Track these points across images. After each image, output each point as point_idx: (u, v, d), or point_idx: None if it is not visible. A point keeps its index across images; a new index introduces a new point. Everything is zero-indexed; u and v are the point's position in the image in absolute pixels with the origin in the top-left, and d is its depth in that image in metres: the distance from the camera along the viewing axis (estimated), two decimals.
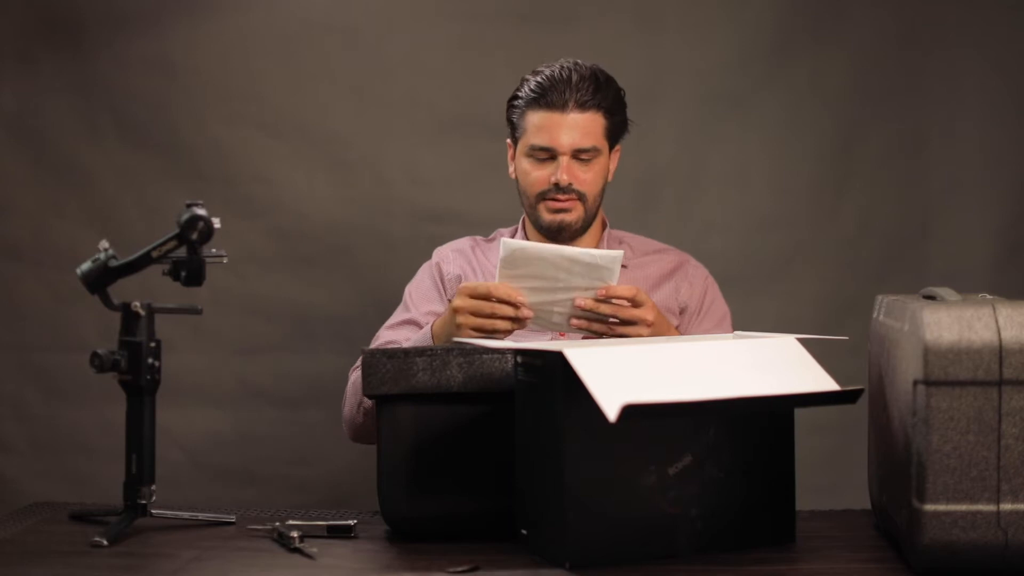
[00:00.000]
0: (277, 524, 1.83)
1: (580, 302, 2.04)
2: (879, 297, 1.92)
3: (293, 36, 3.01)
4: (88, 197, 3.03)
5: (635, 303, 2.05)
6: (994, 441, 1.58)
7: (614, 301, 2.04)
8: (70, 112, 3.02)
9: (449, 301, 2.37)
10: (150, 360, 1.83)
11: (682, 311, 2.36)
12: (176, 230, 1.79)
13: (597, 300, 2.04)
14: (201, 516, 1.93)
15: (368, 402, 2.15)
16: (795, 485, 1.79)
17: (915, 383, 1.60)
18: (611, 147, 2.34)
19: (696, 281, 2.39)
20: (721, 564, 1.68)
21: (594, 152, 2.29)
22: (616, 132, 2.34)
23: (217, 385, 3.04)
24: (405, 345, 2.20)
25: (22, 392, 3.06)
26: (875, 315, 1.91)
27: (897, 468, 1.70)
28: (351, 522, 1.85)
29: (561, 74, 2.27)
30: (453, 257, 2.44)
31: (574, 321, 2.06)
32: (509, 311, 2.03)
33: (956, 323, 1.59)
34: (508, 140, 2.39)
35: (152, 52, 3.00)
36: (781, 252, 3.04)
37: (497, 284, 2.04)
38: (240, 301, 3.01)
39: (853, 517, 1.97)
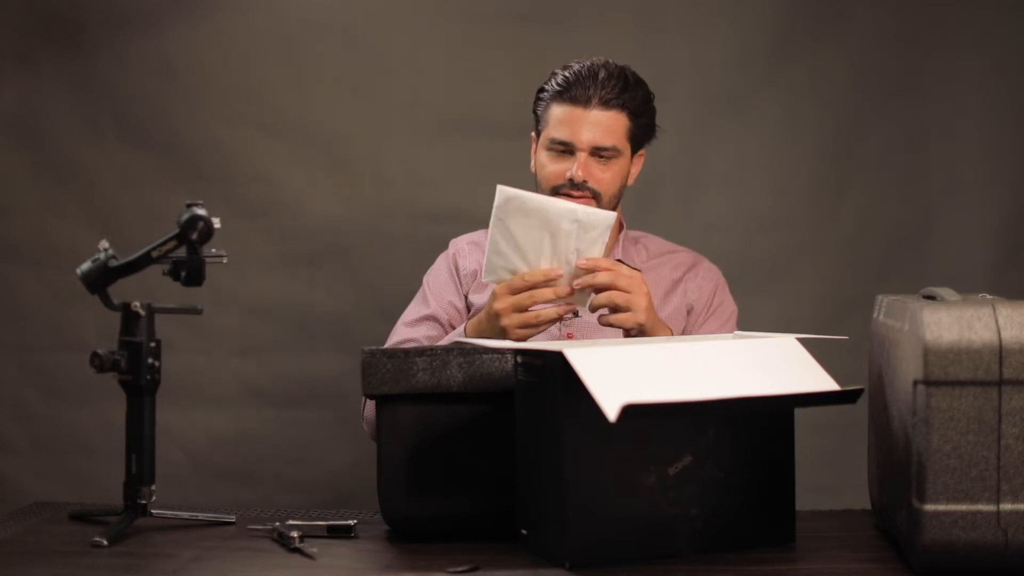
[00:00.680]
0: (277, 524, 1.83)
1: (582, 262, 2.00)
2: (879, 297, 1.92)
3: (293, 36, 3.01)
4: (88, 197, 3.03)
5: (626, 289, 2.02)
6: (994, 441, 1.58)
7: (601, 266, 2.00)
8: (70, 112, 3.02)
9: (465, 296, 2.36)
10: (150, 360, 1.83)
11: (689, 311, 2.35)
12: (176, 230, 1.79)
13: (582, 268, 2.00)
14: (201, 516, 1.93)
15: None
16: (795, 485, 1.79)
17: (915, 383, 1.60)
18: (634, 150, 2.31)
19: (706, 283, 2.37)
20: (721, 564, 1.68)
21: (613, 152, 2.25)
22: (641, 136, 2.30)
23: (217, 385, 3.04)
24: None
25: (22, 392, 3.06)
26: (875, 315, 1.90)
27: (897, 468, 1.70)
28: (351, 522, 1.85)
29: (589, 70, 2.24)
30: (469, 251, 2.41)
31: (577, 282, 2.01)
32: (548, 293, 1.99)
33: (956, 323, 1.59)
34: (532, 133, 2.36)
35: (152, 52, 3.00)
36: (781, 252, 3.04)
37: (529, 272, 2.00)
38: (240, 301, 3.01)
39: (853, 517, 1.97)
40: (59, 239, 3.02)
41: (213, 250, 1.82)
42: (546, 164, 2.28)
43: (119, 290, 1.85)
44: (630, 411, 1.50)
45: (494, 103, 3.00)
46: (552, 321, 2.02)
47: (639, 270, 2.32)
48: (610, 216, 2.02)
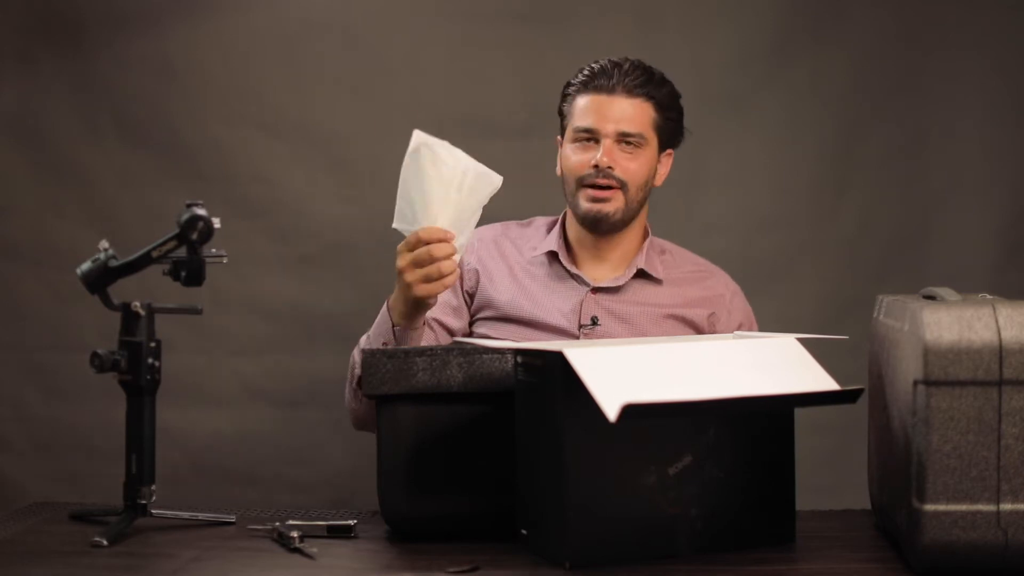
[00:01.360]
0: (277, 524, 1.83)
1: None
2: (879, 297, 1.92)
3: (293, 36, 3.01)
4: (88, 197, 3.03)
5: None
6: (994, 441, 1.58)
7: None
8: (70, 112, 3.02)
9: (467, 294, 2.34)
10: (150, 360, 1.83)
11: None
12: (176, 230, 1.79)
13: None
14: (201, 516, 1.93)
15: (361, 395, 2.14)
16: (795, 485, 1.79)
17: (915, 383, 1.60)
18: (661, 147, 2.28)
19: (733, 318, 2.34)
20: (721, 564, 1.68)
21: (639, 139, 2.23)
22: (668, 132, 2.28)
23: (217, 385, 3.04)
24: (365, 336, 2.16)
25: (22, 392, 3.06)
26: (875, 315, 1.91)
27: (897, 468, 1.70)
28: (351, 522, 1.85)
29: (613, 62, 2.24)
30: (476, 247, 2.36)
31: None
32: (447, 248, 1.95)
33: (956, 323, 1.59)
34: (558, 137, 2.35)
35: (152, 52, 3.00)
36: (781, 252, 3.04)
37: (425, 228, 1.94)
38: (240, 301, 3.01)
39: (853, 517, 1.97)
40: (59, 239, 3.01)
41: (213, 250, 1.82)
42: (570, 156, 2.26)
43: (119, 290, 1.85)
44: (630, 411, 1.50)
45: (494, 103, 3.00)
46: (453, 276, 1.97)
47: (656, 279, 2.31)
48: (497, 181, 1.97)
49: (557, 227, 2.36)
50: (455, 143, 3.11)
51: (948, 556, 1.59)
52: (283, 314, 3.04)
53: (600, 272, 2.30)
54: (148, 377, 1.83)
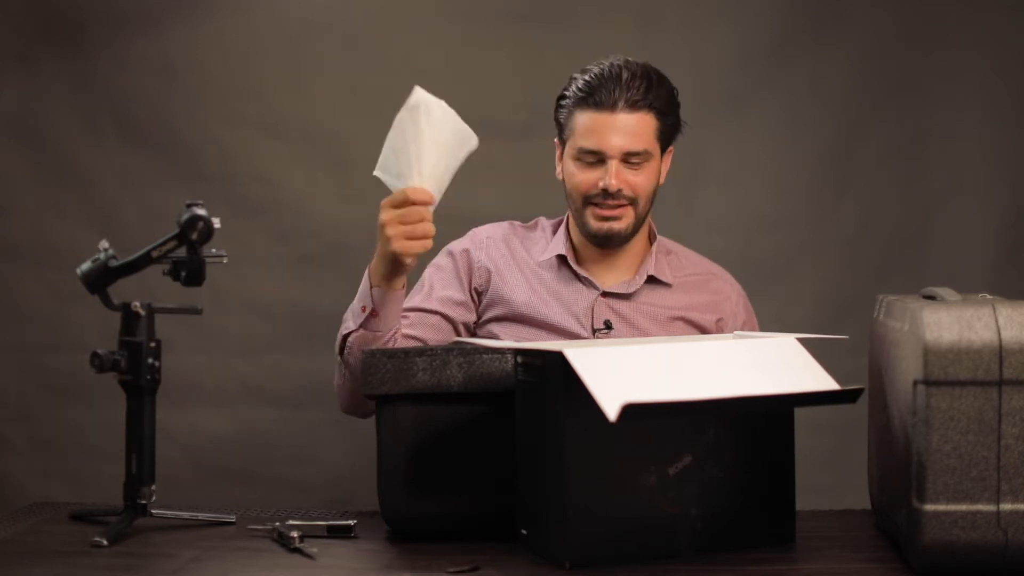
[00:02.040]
0: (277, 524, 1.83)
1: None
2: (879, 297, 1.92)
3: (293, 36, 3.01)
4: (88, 197, 3.03)
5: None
6: (994, 441, 1.58)
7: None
8: (70, 112, 3.02)
9: (475, 291, 2.32)
10: (150, 360, 1.83)
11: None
12: (176, 230, 1.79)
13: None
14: (201, 516, 1.93)
15: (349, 361, 2.12)
16: (795, 485, 1.79)
17: (915, 383, 1.60)
18: (663, 149, 2.25)
19: (738, 321, 2.33)
20: (721, 564, 1.68)
21: (645, 155, 2.19)
22: (669, 134, 2.24)
23: (217, 385, 3.04)
24: (348, 308, 2.15)
25: (22, 392, 3.06)
26: (875, 315, 1.90)
27: (897, 468, 1.70)
28: (351, 522, 1.85)
29: (611, 71, 2.16)
30: (486, 244, 2.34)
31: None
32: (428, 211, 1.96)
33: (956, 323, 1.59)
34: (556, 140, 2.30)
35: (152, 52, 3.00)
36: (781, 252, 3.04)
37: (413, 188, 1.95)
38: (240, 301, 3.01)
39: (853, 517, 1.97)
40: (59, 239, 3.01)
41: (213, 250, 1.82)
42: (575, 173, 2.21)
43: (119, 290, 1.85)
44: (630, 411, 1.50)
45: (494, 103, 3.00)
46: (430, 240, 1.98)
47: (666, 283, 2.30)
48: (473, 143, 2.01)
49: (563, 230, 2.34)
50: None
51: (948, 556, 1.59)
52: (283, 314, 3.04)
53: (609, 276, 2.29)
54: (148, 377, 1.83)
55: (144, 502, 1.84)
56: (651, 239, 2.37)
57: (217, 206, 1.91)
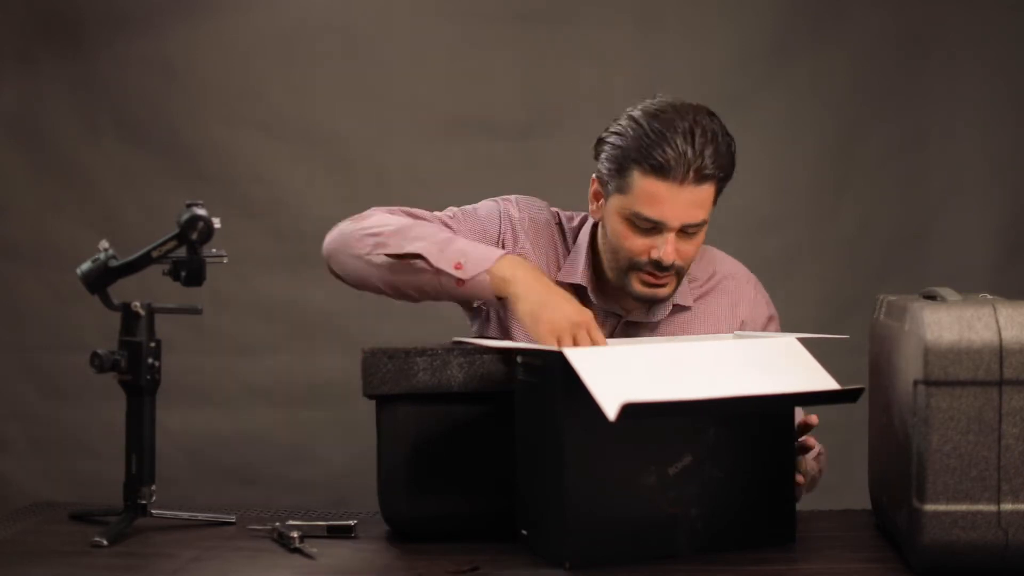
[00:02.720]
0: (277, 524, 1.83)
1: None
2: (879, 297, 1.92)
3: (293, 36, 3.02)
4: (88, 197, 3.03)
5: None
6: (994, 441, 1.58)
7: None
8: (70, 112, 3.02)
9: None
10: (150, 360, 1.83)
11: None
12: (176, 230, 1.79)
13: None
14: (201, 516, 1.93)
15: (381, 259, 1.96)
16: (795, 485, 1.79)
17: (915, 383, 1.60)
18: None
19: (759, 317, 2.23)
20: (721, 564, 1.68)
21: (701, 225, 2.02)
22: (719, 194, 2.05)
23: (217, 385, 3.04)
24: (438, 237, 1.95)
25: (22, 392, 3.06)
26: (875, 315, 1.90)
27: (897, 468, 1.70)
28: (351, 522, 1.85)
29: (685, 138, 1.95)
30: (528, 226, 2.12)
31: None
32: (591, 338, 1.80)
33: (956, 323, 1.59)
34: (595, 177, 2.06)
35: (152, 52, 3.01)
36: (781, 252, 3.04)
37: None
38: (240, 301, 3.01)
39: (853, 517, 1.97)
40: (59, 239, 3.02)
41: (213, 250, 1.82)
42: (627, 235, 2.01)
43: (119, 290, 1.85)
44: (629, 410, 1.50)
45: (494, 103, 3.00)
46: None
47: (688, 307, 2.14)
48: None
49: (584, 249, 2.13)
50: (455, 143, 3.13)
51: (948, 556, 1.59)
52: (283, 314, 3.04)
53: (630, 304, 2.13)
54: (148, 377, 1.83)
55: (144, 502, 1.84)
56: None
57: (217, 206, 1.91)
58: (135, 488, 1.84)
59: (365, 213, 2.08)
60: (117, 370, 1.82)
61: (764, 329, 2.23)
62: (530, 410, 1.73)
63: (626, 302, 2.14)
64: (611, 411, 1.50)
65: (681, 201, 1.97)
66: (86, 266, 1.82)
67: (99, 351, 1.81)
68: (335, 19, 3.03)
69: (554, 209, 2.19)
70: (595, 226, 2.13)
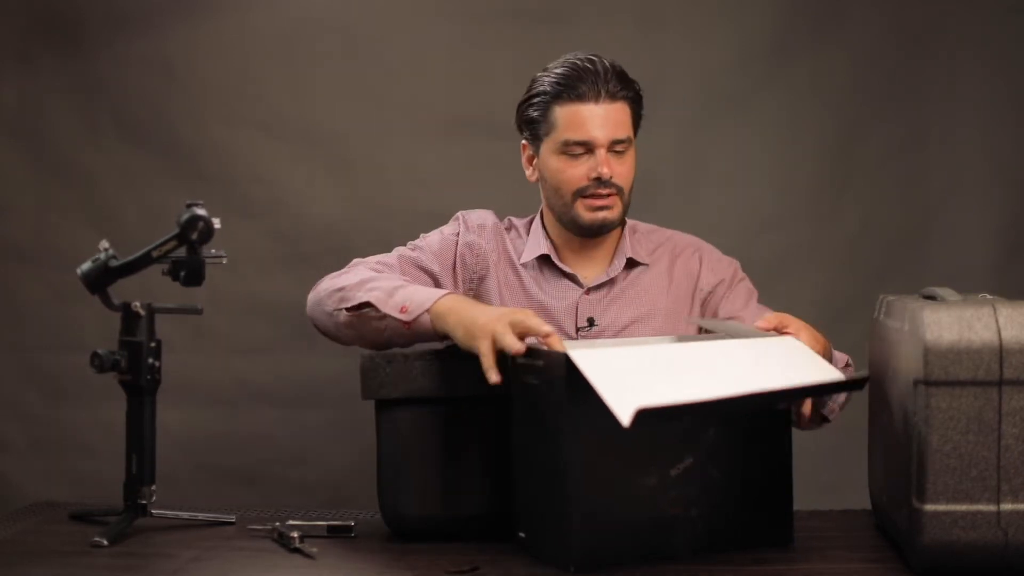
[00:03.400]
0: (277, 524, 1.83)
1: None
2: (879, 297, 1.92)
3: (293, 36, 3.01)
4: (88, 197, 3.03)
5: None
6: (994, 441, 1.58)
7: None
8: (70, 112, 3.02)
9: (468, 278, 2.26)
10: (150, 360, 1.83)
11: (706, 298, 2.29)
12: (176, 230, 1.79)
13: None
14: (201, 516, 1.93)
15: (352, 321, 2.02)
16: (793, 485, 1.79)
17: (915, 383, 1.60)
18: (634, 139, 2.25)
19: (723, 273, 2.33)
20: (721, 564, 1.68)
21: (628, 143, 2.21)
22: (638, 124, 2.26)
23: (217, 385, 3.04)
24: (386, 282, 2.04)
25: (22, 392, 3.06)
26: (875, 315, 1.90)
27: (897, 468, 1.70)
28: (351, 522, 1.85)
29: (587, 65, 2.17)
30: (478, 232, 2.29)
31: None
32: (541, 337, 1.80)
33: (956, 323, 1.59)
34: (523, 142, 2.28)
35: (152, 52, 3.00)
36: (781, 252, 3.04)
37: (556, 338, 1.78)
38: (240, 301, 3.01)
39: (853, 517, 1.97)
40: (59, 239, 3.01)
41: (213, 250, 1.82)
42: (563, 169, 2.20)
43: (119, 290, 1.85)
44: (643, 416, 1.48)
45: (494, 103, 2.99)
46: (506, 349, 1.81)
47: (646, 264, 2.30)
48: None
49: (539, 229, 2.31)
50: (455, 143, 3.14)
51: (948, 556, 1.59)
52: (283, 314, 3.04)
53: (590, 269, 2.29)
54: (148, 377, 1.84)
55: (144, 502, 1.84)
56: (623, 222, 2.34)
57: (217, 206, 1.91)
58: (135, 488, 1.84)
59: (346, 268, 2.20)
60: (117, 370, 1.82)
61: (732, 285, 2.32)
62: (529, 413, 1.73)
63: (586, 263, 2.27)
64: (625, 417, 1.48)
65: (602, 118, 2.17)
66: (86, 266, 1.82)
67: (99, 351, 1.81)
68: (335, 19, 3.02)
69: (508, 220, 2.37)
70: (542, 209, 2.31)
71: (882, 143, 3.03)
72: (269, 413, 3.04)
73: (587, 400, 1.54)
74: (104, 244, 1.84)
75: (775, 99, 3.02)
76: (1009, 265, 3.00)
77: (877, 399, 1.86)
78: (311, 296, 2.15)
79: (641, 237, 2.36)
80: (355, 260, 2.21)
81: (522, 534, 1.75)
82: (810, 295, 3.03)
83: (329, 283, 2.12)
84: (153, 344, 1.84)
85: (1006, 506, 1.58)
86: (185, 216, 1.78)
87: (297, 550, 1.75)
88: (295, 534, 1.77)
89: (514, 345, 1.74)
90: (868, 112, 3.03)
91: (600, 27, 3.00)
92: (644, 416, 1.48)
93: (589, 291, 2.26)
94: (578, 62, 2.19)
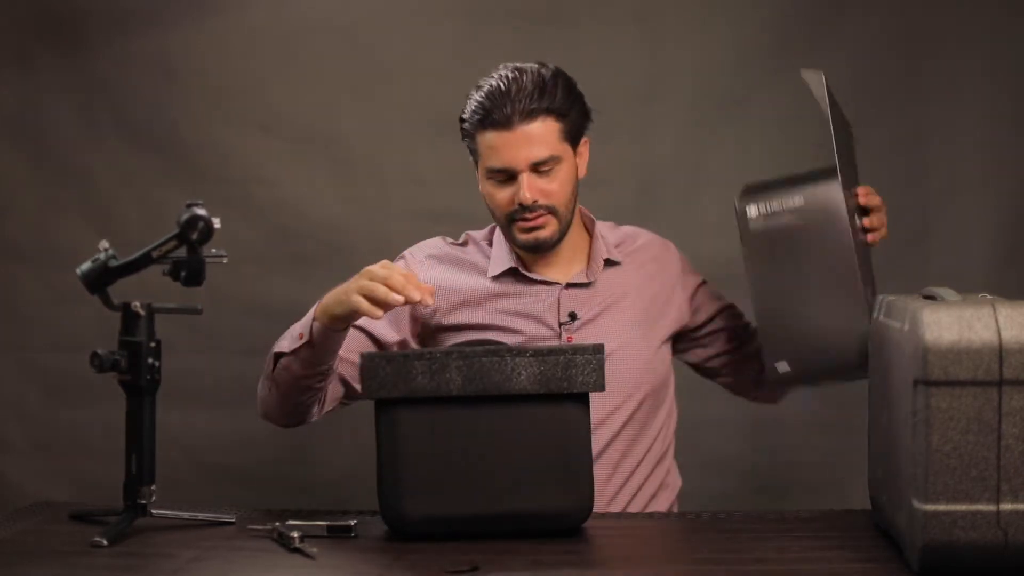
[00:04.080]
0: (277, 524, 1.83)
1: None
2: (879, 297, 1.92)
3: (293, 36, 3.02)
4: (88, 197, 3.04)
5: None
6: (994, 441, 1.58)
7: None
8: (70, 112, 3.02)
9: (417, 321, 2.26)
10: (150, 360, 1.83)
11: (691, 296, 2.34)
12: (176, 230, 1.79)
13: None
14: (201, 516, 1.93)
15: (277, 380, 2.09)
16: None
17: (915, 383, 1.60)
18: (575, 145, 2.20)
19: (679, 284, 2.34)
20: (721, 564, 1.68)
21: (553, 161, 2.14)
22: (575, 130, 2.18)
23: (217, 385, 3.04)
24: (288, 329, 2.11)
25: (22, 392, 3.06)
26: (875, 315, 1.90)
27: (897, 468, 1.70)
28: (351, 522, 1.85)
29: (500, 86, 2.13)
30: (429, 265, 2.29)
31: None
32: (414, 295, 1.92)
33: (956, 323, 1.59)
34: (471, 159, 2.26)
35: (152, 52, 3.01)
36: None
37: (426, 286, 1.92)
38: (240, 301, 3.01)
39: (853, 517, 1.97)
40: (59, 239, 3.02)
41: (213, 250, 1.82)
42: (493, 193, 2.19)
43: (119, 290, 1.85)
44: None
45: None
46: (378, 312, 1.94)
47: (618, 262, 2.30)
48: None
49: (501, 241, 2.28)
50: (455, 143, 3.11)
51: (948, 556, 1.59)
52: (283, 314, 3.02)
53: (562, 272, 2.27)
54: (148, 377, 1.83)
55: (144, 502, 1.84)
56: (589, 224, 2.33)
57: (217, 206, 1.91)
58: (135, 488, 1.84)
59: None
60: (117, 370, 1.82)
61: (695, 292, 2.35)
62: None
63: (556, 269, 2.26)
64: None
65: (518, 142, 2.12)
66: (86, 266, 1.82)
67: (99, 351, 1.81)
68: (335, 19, 3.02)
69: (465, 235, 2.35)
70: None
71: (882, 143, 3.03)
72: None
73: None
74: (104, 244, 1.84)
75: (775, 99, 3.02)
76: (1009, 265, 3.01)
77: (877, 399, 1.86)
78: (258, 402, 2.19)
79: (614, 237, 2.34)
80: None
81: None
82: None
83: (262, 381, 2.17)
84: (153, 344, 1.84)
85: (1006, 506, 1.58)
86: (185, 216, 1.78)
87: (297, 550, 1.75)
88: (295, 534, 1.77)
89: (372, 312, 1.89)
90: (868, 112, 3.03)
91: (600, 27, 3.00)
92: None
93: (568, 287, 2.25)
94: (494, 83, 2.14)
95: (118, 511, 1.86)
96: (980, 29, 3.00)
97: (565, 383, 1.80)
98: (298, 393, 2.11)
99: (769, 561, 1.70)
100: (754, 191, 2.10)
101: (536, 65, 2.17)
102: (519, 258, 2.27)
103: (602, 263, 2.27)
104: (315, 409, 2.18)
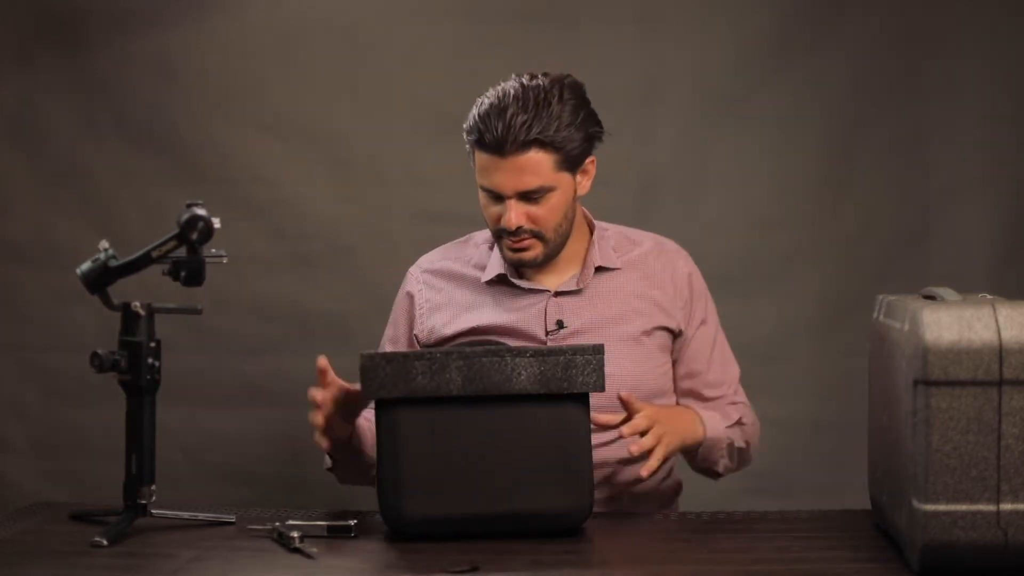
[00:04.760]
0: (277, 524, 1.83)
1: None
2: (879, 297, 1.92)
3: (293, 36, 3.02)
4: (88, 197, 3.04)
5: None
6: (994, 441, 1.58)
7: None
8: (70, 112, 3.02)
9: (416, 339, 2.26)
10: (150, 360, 1.83)
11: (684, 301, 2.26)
12: (176, 230, 1.79)
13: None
14: (201, 516, 1.93)
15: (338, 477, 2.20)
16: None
17: (915, 383, 1.60)
18: (574, 170, 2.13)
19: (680, 297, 2.26)
20: (721, 564, 1.68)
21: (543, 191, 2.08)
22: (577, 156, 2.11)
23: (217, 385, 3.04)
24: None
25: (22, 392, 3.06)
26: (875, 315, 1.90)
27: (897, 468, 1.70)
28: (351, 522, 1.85)
29: (496, 107, 2.06)
30: (426, 282, 2.27)
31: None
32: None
33: (956, 323, 1.59)
34: (471, 163, 2.21)
35: (152, 52, 3.01)
36: (781, 252, 3.04)
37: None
38: (240, 301, 3.01)
39: (853, 517, 1.97)
40: (59, 239, 3.02)
41: (213, 250, 1.82)
42: (486, 206, 2.15)
43: (119, 290, 1.85)
44: None
45: None
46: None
47: (615, 268, 2.26)
48: None
49: (496, 253, 2.24)
50: (456, 143, 3.11)
51: (948, 556, 1.59)
52: (283, 314, 3.04)
53: (553, 279, 2.23)
54: (148, 377, 1.83)
55: (144, 502, 1.84)
56: (591, 228, 2.28)
57: (217, 206, 1.91)
58: (135, 488, 1.84)
59: None
60: (117, 370, 1.82)
61: (692, 311, 2.24)
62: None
63: (550, 275, 2.22)
64: None
65: (507, 170, 2.07)
66: (86, 266, 1.82)
67: (99, 351, 1.81)
68: (335, 19, 3.02)
69: (468, 236, 2.33)
70: None
71: (882, 143, 3.03)
72: (269, 413, 3.04)
73: None
74: (104, 244, 1.84)
75: (775, 99, 3.02)
76: (1009, 265, 3.01)
77: (877, 399, 1.87)
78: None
79: (617, 243, 2.27)
80: None
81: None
82: (810, 295, 3.03)
83: None
84: (153, 344, 1.84)
85: (1006, 506, 1.58)
86: (185, 216, 1.78)
87: (297, 550, 1.75)
88: (295, 534, 1.77)
89: (319, 442, 2.00)
90: (868, 112, 3.03)
91: (600, 27, 3.00)
92: None
93: (557, 295, 2.21)
94: (495, 101, 2.08)
95: (118, 511, 1.86)
96: (980, 29, 3.00)
97: (565, 383, 1.80)
98: (366, 468, 2.12)
99: (769, 561, 1.70)
100: None
101: (547, 81, 2.09)
102: (512, 265, 2.23)
103: (593, 270, 2.22)
104: None
